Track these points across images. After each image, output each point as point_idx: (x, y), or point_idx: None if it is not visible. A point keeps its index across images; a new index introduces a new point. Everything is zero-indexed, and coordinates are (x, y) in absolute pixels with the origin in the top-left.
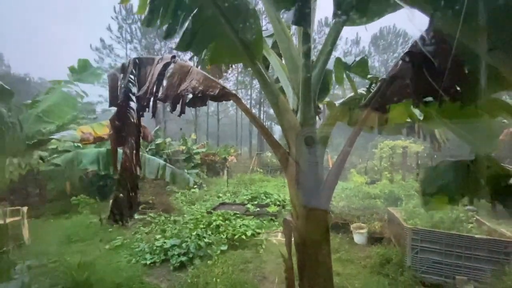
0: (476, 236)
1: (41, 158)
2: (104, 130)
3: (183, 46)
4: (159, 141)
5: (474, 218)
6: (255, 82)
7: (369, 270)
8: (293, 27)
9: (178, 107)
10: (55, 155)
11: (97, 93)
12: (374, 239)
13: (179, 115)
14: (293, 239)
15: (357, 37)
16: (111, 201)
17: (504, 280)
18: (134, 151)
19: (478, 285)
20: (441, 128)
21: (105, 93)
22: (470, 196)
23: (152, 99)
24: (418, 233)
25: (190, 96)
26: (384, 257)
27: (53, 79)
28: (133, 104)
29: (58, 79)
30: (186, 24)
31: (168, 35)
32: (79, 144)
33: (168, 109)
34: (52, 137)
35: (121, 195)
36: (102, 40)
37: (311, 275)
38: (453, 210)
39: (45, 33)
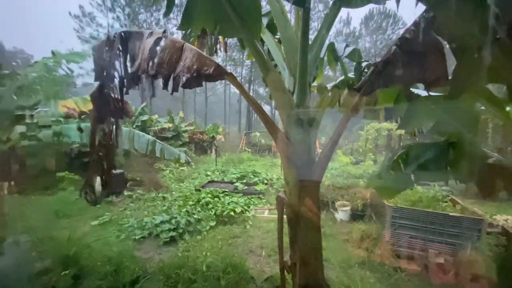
0: (451, 213)
1: (23, 133)
2: (87, 105)
3: (185, 25)
4: (145, 118)
5: (449, 198)
6: (247, 62)
7: (350, 244)
8: (289, 6)
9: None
10: (36, 130)
11: (77, 65)
12: (356, 216)
13: (171, 93)
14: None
15: (348, 17)
16: (99, 177)
17: (472, 254)
18: (115, 128)
19: (448, 258)
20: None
21: (86, 65)
22: (448, 177)
23: (144, 76)
24: (397, 210)
25: (185, 76)
26: (364, 233)
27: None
28: (116, 80)
29: (33, 48)
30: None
31: (167, 12)
32: (61, 119)
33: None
34: (33, 112)
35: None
36: (81, 7)
37: (302, 248)
38: (430, 190)
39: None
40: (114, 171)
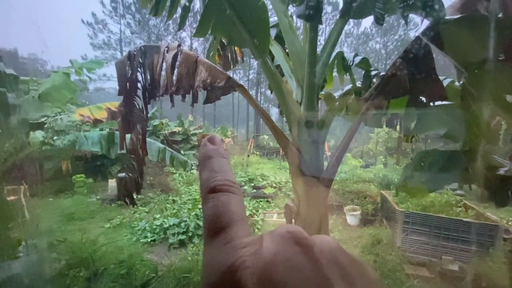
0: (464, 219)
1: (42, 140)
2: (102, 113)
3: (201, 33)
4: (156, 122)
5: (462, 203)
6: (253, 62)
7: (361, 249)
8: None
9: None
10: (55, 137)
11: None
12: (366, 220)
13: (191, 105)
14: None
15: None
16: (112, 180)
17: (486, 261)
18: (141, 137)
19: (462, 265)
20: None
21: (99, 70)
22: (461, 184)
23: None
24: (409, 215)
25: (202, 89)
26: (375, 238)
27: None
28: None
29: (48, 54)
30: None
31: (180, 26)
32: (77, 125)
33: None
34: (50, 119)
35: (126, 175)
36: (94, 15)
37: None
38: (443, 194)
39: (32, 5)
40: (119, 175)
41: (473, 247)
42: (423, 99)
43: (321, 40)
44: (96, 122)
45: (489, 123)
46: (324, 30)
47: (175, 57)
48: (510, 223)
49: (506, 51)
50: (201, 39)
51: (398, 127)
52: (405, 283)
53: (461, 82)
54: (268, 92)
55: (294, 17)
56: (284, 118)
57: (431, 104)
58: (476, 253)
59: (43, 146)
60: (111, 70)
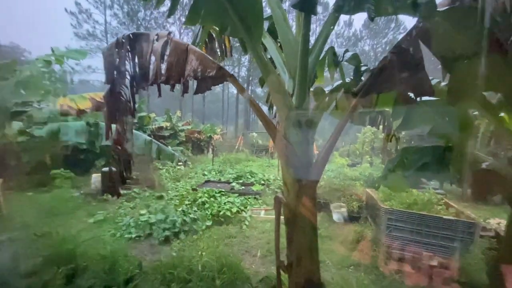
0: (444, 217)
1: (20, 129)
2: (86, 103)
3: (192, 21)
4: (142, 114)
5: (443, 201)
6: (243, 59)
7: (345, 246)
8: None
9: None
10: (34, 127)
11: (72, 62)
12: (352, 218)
13: (182, 95)
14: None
15: (350, 19)
16: (95, 175)
17: (465, 256)
18: (127, 127)
19: (442, 260)
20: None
21: (83, 62)
22: (442, 179)
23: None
24: (393, 213)
25: (193, 80)
26: (360, 234)
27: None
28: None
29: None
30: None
31: (171, 11)
32: (59, 116)
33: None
34: (29, 108)
35: (113, 169)
36: (78, 4)
37: (298, 247)
38: (425, 193)
39: None
40: (103, 169)
41: (452, 243)
42: (411, 95)
43: (314, 36)
44: (80, 113)
45: (470, 120)
46: (315, 31)
47: (165, 45)
48: (487, 221)
49: (492, 44)
50: (192, 32)
51: (381, 126)
52: (388, 278)
53: (445, 83)
54: (258, 90)
55: (287, 9)
56: (273, 114)
57: (418, 99)
58: (455, 249)
59: (20, 136)
60: (96, 62)
